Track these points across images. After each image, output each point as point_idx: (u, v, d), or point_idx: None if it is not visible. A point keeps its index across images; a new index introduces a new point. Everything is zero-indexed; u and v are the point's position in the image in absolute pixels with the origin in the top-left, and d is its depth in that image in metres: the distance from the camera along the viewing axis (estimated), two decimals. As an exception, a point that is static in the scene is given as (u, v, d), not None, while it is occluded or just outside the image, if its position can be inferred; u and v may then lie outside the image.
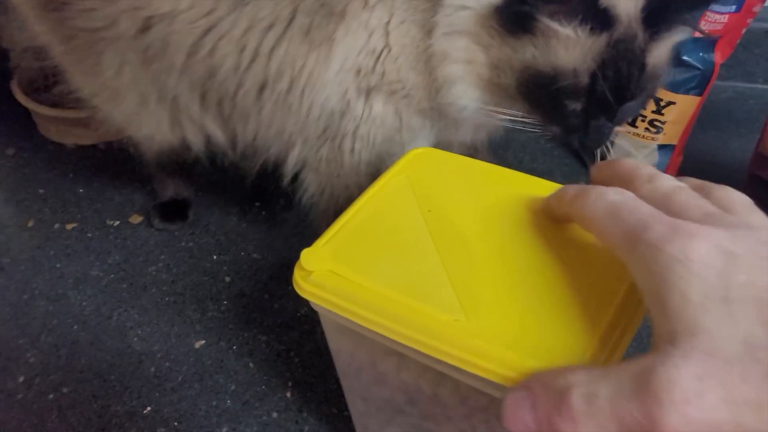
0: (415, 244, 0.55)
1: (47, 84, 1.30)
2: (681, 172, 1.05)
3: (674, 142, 1.00)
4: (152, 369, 0.86)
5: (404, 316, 0.49)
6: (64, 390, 0.84)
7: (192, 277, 0.98)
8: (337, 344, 0.64)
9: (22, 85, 1.26)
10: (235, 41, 0.74)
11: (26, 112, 1.26)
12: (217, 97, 0.81)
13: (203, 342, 0.89)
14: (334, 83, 0.75)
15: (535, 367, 0.42)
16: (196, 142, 0.91)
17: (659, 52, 0.66)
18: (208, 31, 0.74)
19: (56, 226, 1.07)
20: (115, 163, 1.20)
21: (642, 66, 0.64)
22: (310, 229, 1.05)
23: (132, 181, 1.16)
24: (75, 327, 0.91)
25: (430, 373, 0.56)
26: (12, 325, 0.92)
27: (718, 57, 0.92)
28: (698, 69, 0.92)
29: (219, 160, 0.96)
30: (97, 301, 0.95)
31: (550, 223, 0.53)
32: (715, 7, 0.87)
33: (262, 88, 0.77)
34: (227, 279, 0.98)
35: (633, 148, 1.02)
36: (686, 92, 0.94)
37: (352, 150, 0.80)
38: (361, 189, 0.65)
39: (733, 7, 0.88)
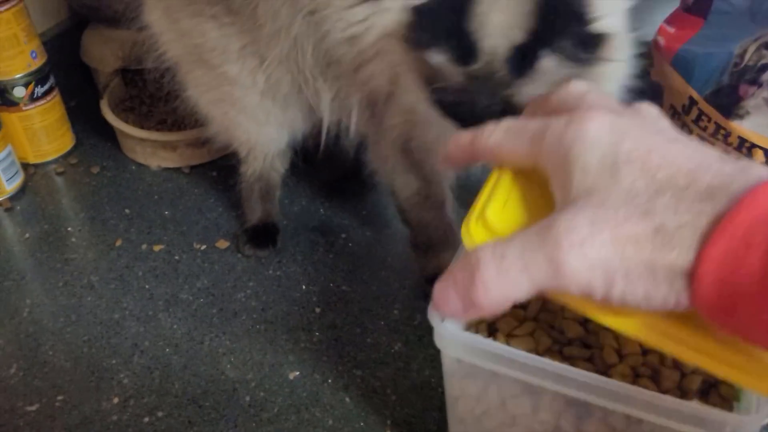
0: None
1: (133, 105, 1.32)
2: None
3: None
4: (247, 398, 0.84)
5: None
6: (159, 414, 0.82)
7: (282, 306, 0.97)
8: (459, 390, 0.63)
9: (111, 105, 1.27)
10: None
11: (110, 131, 1.27)
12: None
13: (297, 373, 0.87)
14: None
15: None
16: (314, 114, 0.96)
17: (535, 84, 0.66)
18: None
19: (144, 246, 1.07)
20: (199, 187, 1.20)
21: (506, 97, 0.66)
22: (398, 262, 1.04)
23: (217, 206, 1.15)
24: (167, 350, 0.90)
25: (574, 408, 0.54)
26: (104, 344, 0.91)
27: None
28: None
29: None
30: (187, 324, 0.94)
31: None
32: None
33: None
34: (317, 310, 0.96)
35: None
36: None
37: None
38: None
39: None
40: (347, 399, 0.84)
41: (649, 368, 0.58)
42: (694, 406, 0.48)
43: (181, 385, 0.86)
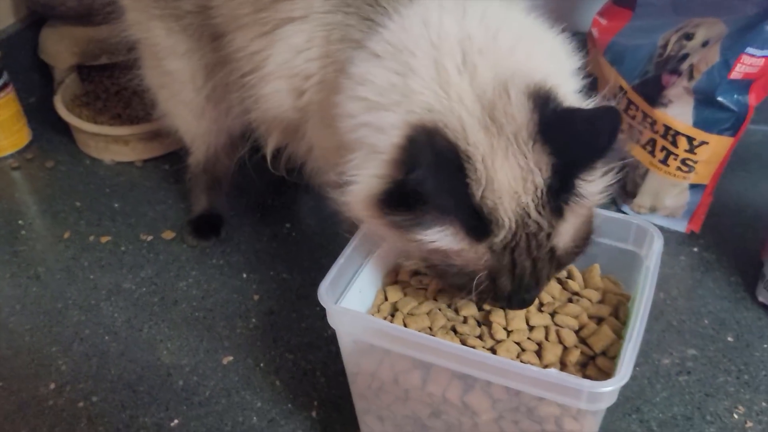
0: None
1: (89, 101, 1.34)
2: (711, 212, 1.06)
3: (706, 182, 1.00)
4: (180, 382, 0.87)
5: None
6: (94, 399, 0.85)
7: (222, 294, 0.99)
8: (356, 366, 0.65)
9: (65, 100, 1.29)
10: None
11: (66, 126, 1.29)
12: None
13: (231, 358, 0.90)
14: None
15: None
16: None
17: (574, 218, 0.61)
18: None
19: (91, 238, 1.10)
20: (151, 180, 1.22)
21: (551, 250, 0.60)
22: (340, 250, 1.06)
23: (166, 198, 1.18)
24: (106, 338, 0.93)
25: (459, 381, 0.56)
26: (45, 332, 0.94)
27: (752, 99, 0.93)
28: (732, 110, 0.93)
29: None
30: (128, 313, 0.97)
31: None
32: (751, 50, 0.89)
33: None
34: (256, 297, 0.99)
35: (662, 187, 1.03)
36: (720, 132, 0.95)
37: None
38: None
39: (769, 51, 0.89)
40: (277, 382, 0.87)
41: (534, 343, 0.61)
42: (554, 374, 0.51)
43: (118, 370, 0.88)
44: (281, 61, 0.74)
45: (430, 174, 0.54)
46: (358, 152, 0.64)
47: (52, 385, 0.87)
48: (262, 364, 0.89)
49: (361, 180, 0.61)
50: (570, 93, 0.63)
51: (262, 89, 0.78)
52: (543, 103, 0.58)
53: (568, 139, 0.57)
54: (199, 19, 0.86)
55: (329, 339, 0.92)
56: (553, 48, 0.66)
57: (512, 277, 0.60)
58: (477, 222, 0.57)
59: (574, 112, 0.59)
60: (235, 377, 0.87)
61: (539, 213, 0.58)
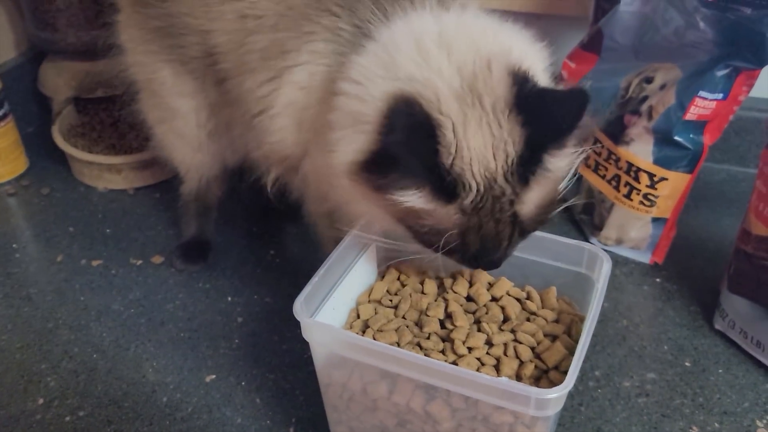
0: None
1: (85, 131, 1.40)
2: (674, 245, 1.12)
3: (667, 215, 1.06)
4: (164, 399, 0.91)
5: None
6: (81, 413, 0.89)
7: (207, 316, 1.04)
8: (328, 377, 0.70)
9: (62, 131, 1.35)
10: None
11: (62, 155, 1.35)
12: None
13: (214, 377, 0.94)
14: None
15: None
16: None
17: (539, 188, 0.66)
18: None
19: (83, 262, 1.14)
20: (142, 207, 1.27)
21: (513, 215, 0.65)
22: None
23: (156, 224, 1.23)
24: (94, 356, 0.97)
25: (422, 391, 0.61)
26: (35, 350, 0.98)
27: (707, 139, 1.00)
28: (688, 149, 1.00)
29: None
30: (116, 333, 1.01)
31: None
32: (703, 93, 0.96)
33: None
34: (240, 319, 1.03)
35: (626, 220, 1.09)
36: (677, 169, 1.01)
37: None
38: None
39: (721, 95, 0.96)
40: (258, 399, 0.91)
41: (493, 358, 0.66)
42: (505, 383, 0.56)
43: (104, 387, 0.92)
44: (286, 100, 0.81)
45: (404, 140, 0.60)
46: (345, 126, 0.69)
47: (41, 401, 0.90)
48: (243, 383, 0.93)
49: (347, 148, 0.67)
50: (544, 80, 0.70)
51: (270, 126, 0.84)
52: (522, 80, 0.65)
53: (541, 115, 0.62)
54: (205, 64, 0.92)
55: (308, 360, 0.96)
56: (529, 44, 0.73)
57: (479, 237, 0.65)
58: (445, 186, 0.63)
59: (549, 92, 0.65)
60: (217, 395, 0.91)
61: (506, 180, 0.64)
